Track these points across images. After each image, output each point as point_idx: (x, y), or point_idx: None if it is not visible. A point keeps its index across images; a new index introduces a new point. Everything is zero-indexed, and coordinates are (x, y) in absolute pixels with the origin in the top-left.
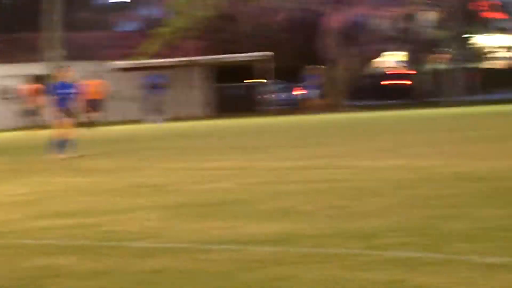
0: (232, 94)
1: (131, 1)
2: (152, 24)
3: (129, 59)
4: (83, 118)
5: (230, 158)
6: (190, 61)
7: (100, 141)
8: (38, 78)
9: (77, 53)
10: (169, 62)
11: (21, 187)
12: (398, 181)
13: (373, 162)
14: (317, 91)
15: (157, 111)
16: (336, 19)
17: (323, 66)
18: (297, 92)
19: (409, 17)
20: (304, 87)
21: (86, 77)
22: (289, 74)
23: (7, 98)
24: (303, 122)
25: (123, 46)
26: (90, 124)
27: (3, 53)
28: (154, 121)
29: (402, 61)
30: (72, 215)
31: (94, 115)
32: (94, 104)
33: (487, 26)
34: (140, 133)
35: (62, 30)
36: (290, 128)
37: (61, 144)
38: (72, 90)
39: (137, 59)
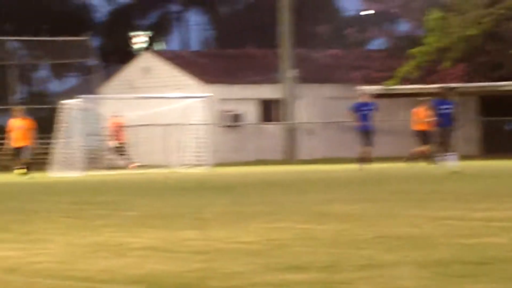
0: (503, 130)
1: (374, 15)
2: (401, 42)
3: (375, 84)
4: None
5: (504, 207)
6: (450, 88)
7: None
8: (267, 103)
9: (310, 74)
10: (426, 89)
11: (244, 233)
12: None
13: None
14: None
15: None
16: None
17: None
18: None
19: None
20: None
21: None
22: None
23: (229, 126)
24: None
25: (367, 68)
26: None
27: (228, 72)
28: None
29: None
30: (308, 269)
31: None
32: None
33: None
34: (391, 173)
35: (295, 47)
36: None
37: None
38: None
39: (385, 83)
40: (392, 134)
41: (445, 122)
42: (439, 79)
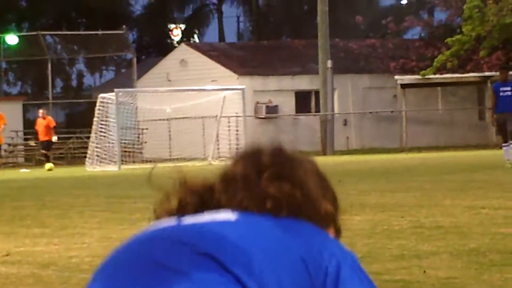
0: None
1: (410, 4)
2: (438, 31)
3: (412, 73)
4: None
5: None
6: (488, 77)
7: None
8: (303, 94)
9: (347, 64)
10: (463, 78)
11: None
12: None
13: None
14: None
15: None
16: None
17: None
18: None
19: None
20: None
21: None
22: None
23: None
24: None
25: (404, 57)
26: None
27: (264, 64)
28: None
29: None
30: None
31: None
32: None
33: None
34: (429, 163)
35: (331, 37)
36: None
37: None
38: None
39: (422, 73)
40: (429, 124)
41: (506, 107)
42: (476, 68)
